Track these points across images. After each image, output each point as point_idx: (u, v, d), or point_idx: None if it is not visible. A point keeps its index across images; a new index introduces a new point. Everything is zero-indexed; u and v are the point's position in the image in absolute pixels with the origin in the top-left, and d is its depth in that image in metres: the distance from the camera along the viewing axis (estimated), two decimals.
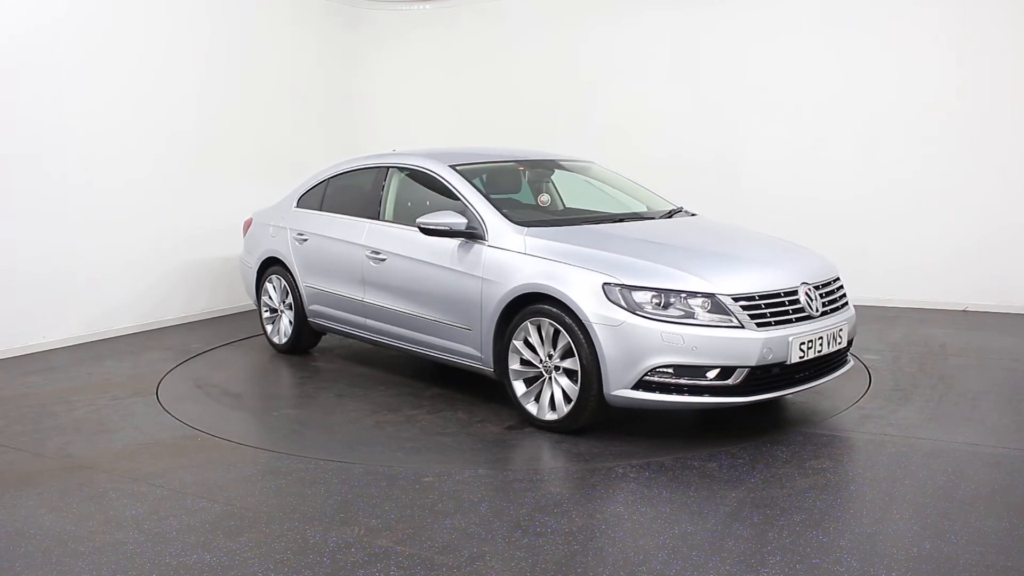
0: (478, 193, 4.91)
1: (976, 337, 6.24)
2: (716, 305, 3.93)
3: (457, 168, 5.16)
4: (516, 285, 4.38)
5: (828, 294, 4.38)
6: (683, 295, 3.95)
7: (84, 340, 6.72)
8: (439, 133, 9.31)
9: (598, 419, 4.20)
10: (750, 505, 3.36)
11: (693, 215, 5.44)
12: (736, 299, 3.96)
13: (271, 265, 6.32)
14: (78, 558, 3.02)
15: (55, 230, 6.54)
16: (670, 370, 3.91)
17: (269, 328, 6.41)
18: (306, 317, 6.04)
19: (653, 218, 5.24)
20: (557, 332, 4.20)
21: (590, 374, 4.05)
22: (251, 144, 8.18)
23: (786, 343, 3.96)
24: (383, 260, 5.28)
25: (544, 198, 5.52)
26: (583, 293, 4.09)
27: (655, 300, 3.96)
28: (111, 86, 6.90)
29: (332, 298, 5.74)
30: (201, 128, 7.68)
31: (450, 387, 5.24)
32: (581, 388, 4.12)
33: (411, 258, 5.07)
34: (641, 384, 3.95)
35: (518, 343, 4.39)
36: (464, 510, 3.37)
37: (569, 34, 8.85)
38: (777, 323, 4.01)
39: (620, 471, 3.75)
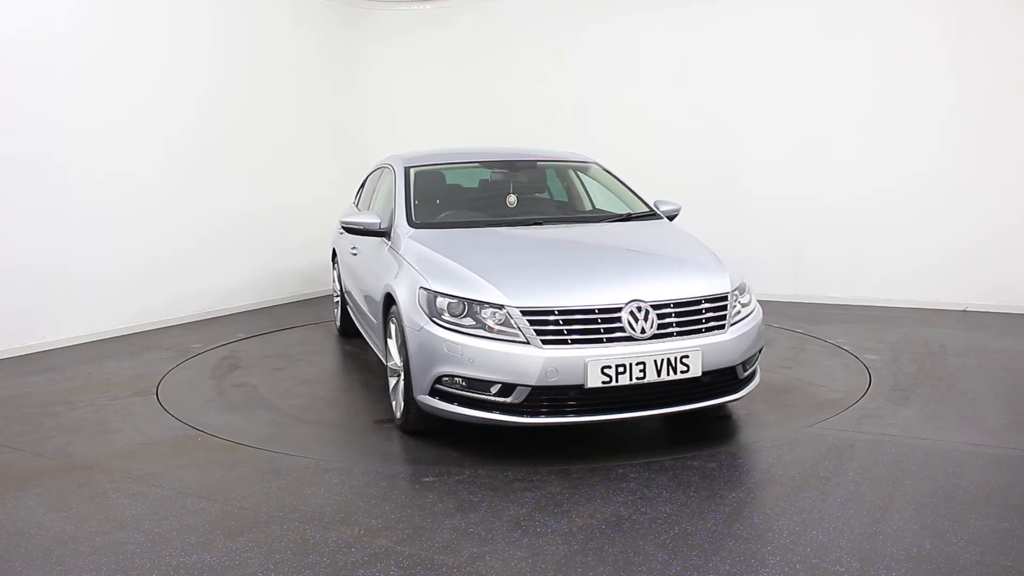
0: (404, 193, 4.98)
1: (976, 337, 6.24)
2: (506, 318, 3.77)
3: (412, 168, 5.25)
4: (384, 284, 4.48)
5: (683, 315, 3.85)
6: (476, 305, 3.84)
7: (84, 340, 6.72)
8: (438, 132, 9.31)
9: (426, 424, 4.17)
10: (750, 505, 3.36)
11: (660, 219, 5.06)
12: (526, 313, 3.74)
13: (335, 256, 6.94)
14: (78, 558, 3.02)
15: (55, 229, 6.54)
16: (461, 381, 3.82)
17: (336, 312, 6.96)
18: (345, 303, 6.49)
19: (593, 221, 4.99)
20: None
21: (408, 377, 4.08)
22: (252, 143, 8.19)
23: (581, 364, 3.65)
24: (355, 255, 5.61)
25: (511, 199, 5.36)
26: (404, 295, 4.12)
27: (453, 308, 3.89)
28: (113, 86, 6.91)
29: (347, 289, 6.21)
30: (201, 127, 7.69)
31: None
32: (404, 390, 4.16)
33: (363, 254, 5.36)
34: (435, 392, 3.92)
35: (391, 341, 4.43)
36: (464, 510, 3.37)
37: (569, 34, 8.85)
38: (575, 342, 3.70)
39: (620, 471, 3.75)
